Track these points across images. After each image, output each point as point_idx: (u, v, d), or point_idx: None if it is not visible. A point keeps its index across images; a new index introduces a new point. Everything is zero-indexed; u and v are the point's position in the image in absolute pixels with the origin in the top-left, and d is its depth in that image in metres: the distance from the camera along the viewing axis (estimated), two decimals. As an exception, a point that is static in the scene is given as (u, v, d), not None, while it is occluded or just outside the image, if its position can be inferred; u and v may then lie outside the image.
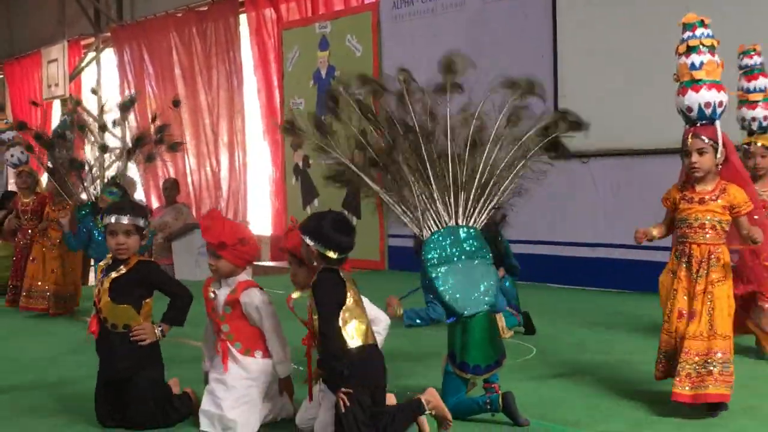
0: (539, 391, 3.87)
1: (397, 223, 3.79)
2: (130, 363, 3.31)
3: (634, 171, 6.99)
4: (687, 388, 3.29)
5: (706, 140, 3.46)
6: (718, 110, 3.48)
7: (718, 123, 3.51)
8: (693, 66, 3.47)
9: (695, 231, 3.48)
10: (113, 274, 3.45)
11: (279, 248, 3.89)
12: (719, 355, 3.31)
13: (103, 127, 6.64)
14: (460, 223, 3.69)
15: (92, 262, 6.85)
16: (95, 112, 8.51)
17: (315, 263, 3.16)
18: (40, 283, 6.40)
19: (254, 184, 11.97)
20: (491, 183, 3.69)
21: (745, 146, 4.39)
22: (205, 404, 3.32)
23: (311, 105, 9.86)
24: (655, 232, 3.59)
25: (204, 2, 12.78)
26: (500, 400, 3.43)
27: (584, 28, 7.58)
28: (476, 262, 3.67)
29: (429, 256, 3.63)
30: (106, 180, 6.54)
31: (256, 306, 3.40)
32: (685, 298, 3.46)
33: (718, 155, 3.48)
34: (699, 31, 3.50)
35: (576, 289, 7.20)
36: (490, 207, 3.73)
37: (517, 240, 5.95)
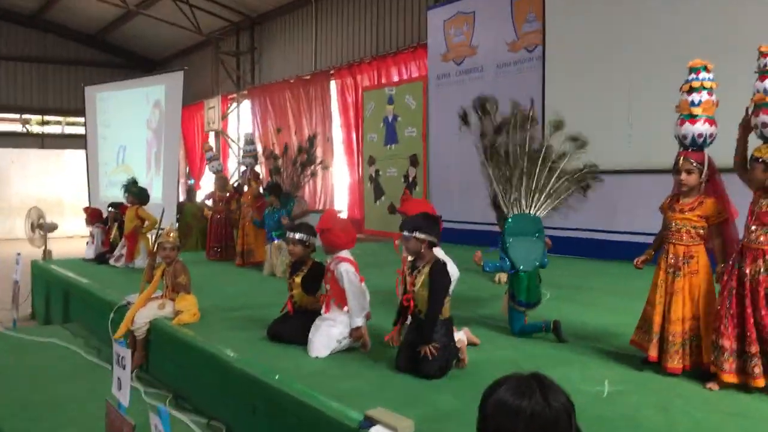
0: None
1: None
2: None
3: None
4: (676, 361, 3.70)
5: (694, 163, 3.77)
6: (708, 140, 3.79)
7: (706, 150, 3.82)
8: (693, 103, 3.73)
9: (674, 234, 3.85)
10: (300, 273, 4.64)
11: (397, 210, 4.53)
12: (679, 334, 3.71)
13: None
14: (531, 212, 4.84)
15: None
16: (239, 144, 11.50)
17: (423, 251, 3.83)
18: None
19: (339, 186, 15.20)
20: (553, 192, 4.83)
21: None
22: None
23: (381, 138, 13.54)
24: (651, 251, 4.08)
25: (308, 73, 16.25)
26: (552, 324, 4.57)
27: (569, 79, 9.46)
28: (534, 237, 4.80)
29: (508, 227, 4.75)
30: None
31: (341, 273, 4.23)
32: (663, 287, 3.82)
33: (703, 176, 3.79)
34: (702, 75, 3.76)
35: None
36: (550, 206, 4.87)
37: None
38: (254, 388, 3.91)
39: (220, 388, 4.32)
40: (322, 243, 4.45)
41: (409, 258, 3.99)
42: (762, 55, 3.57)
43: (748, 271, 3.55)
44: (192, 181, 21.29)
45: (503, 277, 6.56)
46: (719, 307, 3.63)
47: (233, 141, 14.34)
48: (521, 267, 4.71)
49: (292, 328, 4.61)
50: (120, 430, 3.01)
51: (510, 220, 4.78)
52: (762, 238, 3.56)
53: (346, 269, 4.29)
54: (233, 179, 9.85)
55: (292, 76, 16.88)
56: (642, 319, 4.05)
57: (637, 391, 3.60)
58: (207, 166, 10.26)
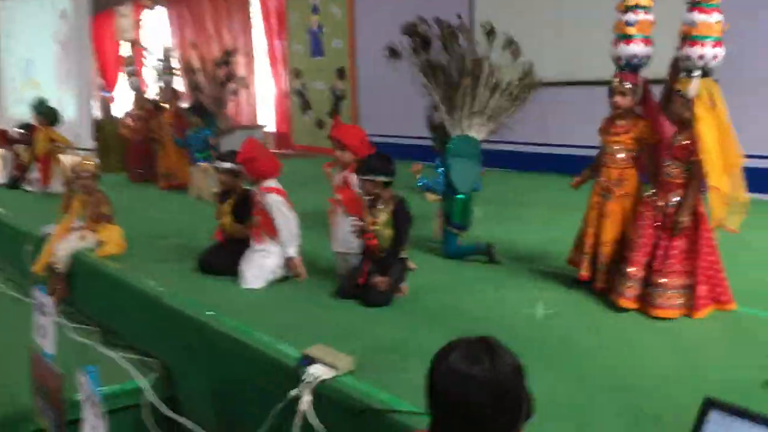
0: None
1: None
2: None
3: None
4: (604, 281, 3.78)
5: (629, 85, 3.72)
6: (644, 61, 3.73)
7: (640, 72, 3.77)
8: (628, 23, 3.66)
9: (608, 157, 3.84)
10: (229, 201, 4.51)
11: (328, 136, 4.35)
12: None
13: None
14: (472, 134, 4.76)
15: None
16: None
17: (380, 192, 3.78)
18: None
19: (264, 100, 14.66)
20: (492, 113, 4.79)
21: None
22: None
23: (307, 50, 13.06)
24: (585, 175, 4.07)
25: None
26: (486, 246, 4.61)
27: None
28: (473, 161, 4.77)
29: (450, 147, 4.73)
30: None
31: (269, 204, 4.15)
32: (597, 210, 3.85)
33: (636, 98, 3.75)
34: None
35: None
36: (488, 128, 4.85)
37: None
38: (188, 325, 3.80)
39: (152, 326, 4.19)
40: (247, 173, 4.33)
41: (365, 197, 3.92)
42: None
43: (661, 203, 3.59)
44: (107, 93, 20.28)
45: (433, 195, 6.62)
46: (632, 235, 3.68)
47: (148, 52, 13.68)
48: (460, 189, 4.67)
49: (224, 259, 4.48)
50: (47, 382, 2.86)
51: (453, 141, 4.73)
52: (674, 172, 3.57)
53: (275, 199, 4.19)
54: (151, 95, 9.35)
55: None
56: (577, 238, 4.09)
57: (570, 313, 3.68)
58: (127, 81, 9.72)
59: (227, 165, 4.59)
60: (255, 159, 4.22)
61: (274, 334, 3.39)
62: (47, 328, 3.01)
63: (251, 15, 15.03)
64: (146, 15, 18.69)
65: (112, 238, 5.16)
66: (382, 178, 3.80)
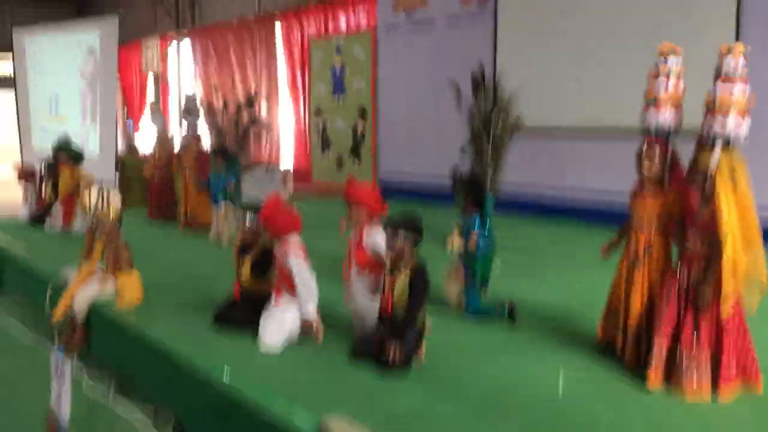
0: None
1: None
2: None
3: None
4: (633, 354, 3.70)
5: (657, 152, 3.68)
6: (673, 128, 3.70)
7: (671, 140, 3.73)
8: (659, 89, 3.64)
9: (636, 222, 3.78)
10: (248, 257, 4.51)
11: (344, 197, 4.25)
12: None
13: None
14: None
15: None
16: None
17: (406, 250, 3.75)
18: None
19: (285, 134, 14.73)
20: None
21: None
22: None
23: (329, 88, 13.04)
24: (615, 241, 4.00)
25: (251, 14, 15.51)
26: (507, 306, 4.56)
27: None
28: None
29: (490, 206, 4.85)
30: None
31: (290, 264, 4.10)
32: (625, 278, 3.79)
33: (666, 165, 3.70)
34: (670, 60, 3.65)
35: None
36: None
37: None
38: (204, 385, 3.76)
39: (168, 382, 4.15)
40: (268, 231, 4.32)
41: (388, 256, 3.90)
42: (721, 54, 3.44)
43: (686, 277, 3.53)
44: (131, 121, 20.55)
45: (456, 242, 6.58)
46: (658, 307, 3.61)
47: (171, 86, 14.05)
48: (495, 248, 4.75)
49: (241, 315, 4.45)
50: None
51: (489, 199, 4.79)
52: (699, 246, 3.50)
53: (295, 261, 4.16)
54: (174, 134, 9.44)
55: (235, 16, 16.19)
56: (607, 306, 4.02)
57: (593, 387, 3.59)
58: (150, 117, 9.82)
59: (249, 219, 4.59)
60: (277, 217, 4.20)
61: (291, 399, 3.34)
62: (63, 395, 2.99)
63: (275, 51, 15.22)
64: (172, 47, 19.01)
65: (131, 286, 5.16)
66: (411, 236, 3.78)
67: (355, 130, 12.77)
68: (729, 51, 3.42)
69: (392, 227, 3.81)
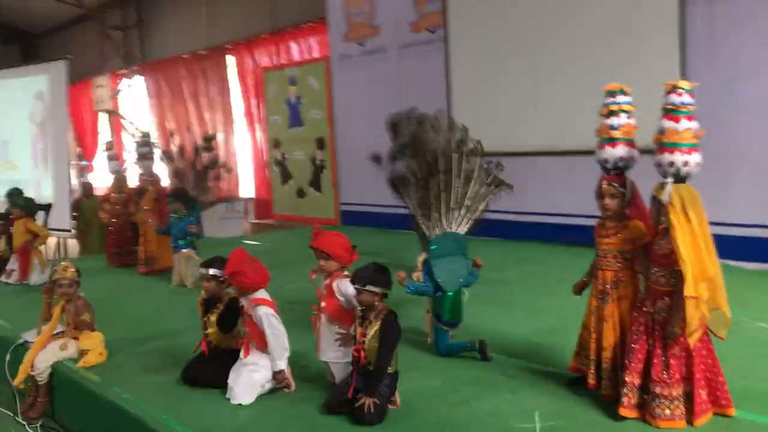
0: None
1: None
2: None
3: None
4: (610, 388, 3.68)
5: (617, 187, 3.72)
6: (630, 163, 3.74)
7: (627, 174, 3.77)
8: (612, 127, 3.69)
9: (602, 260, 3.79)
10: (215, 311, 4.36)
11: (310, 246, 4.16)
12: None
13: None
14: (453, 230, 4.72)
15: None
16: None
17: (376, 303, 3.73)
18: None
19: (244, 167, 14.85)
20: (471, 203, 4.77)
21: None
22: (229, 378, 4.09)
23: (285, 121, 13.09)
24: (585, 280, 3.99)
25: (202, 48, 15.52)
26: (477, 343, 4.57)
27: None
28: (458, 257, 4.69)
29: (433, 248, 4.65)
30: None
31: (260, 317, 4.04)
32: (596, 314, 3.78)
33: (625, 199, 3.74)
34: (619, 98, 3.72)
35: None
36: (470, 219, 4.80)
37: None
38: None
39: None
40: (234, 286, 4.21)
41: (359, 308, 3.85)
42: (667, 92, 3.47)
43: (650, 310, 3.55)
44: (85, 162, 20.21)
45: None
46: (627, 342, 3.63)
47: (127, 121, 13.89)
48: (448, 289, 4.64)
49: (210, 372, 4.35)
50: None
51: (433, 244, 4.69)
52: (662, 280, 3.54)
53: (265, 312, 4.08)
54: (131, 178, 9.23)
55: (185, 51, 16.16)
56: (579, 345, 4.03)
57: (568, 425, 3.58)
58: (107, 164, 9.62)
59: (212, 271, 4.50)
60: (243, 273, 4.11)
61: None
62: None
63: (228, 83, 15.17)
64: (123, 84, 18.82)
65: (94, 346, 5.02)
66: (378, 290, 3.75)
67: (314, 161, 12.74)
68: (674, 88, 3.47)
69: (360, 282, 3.77)
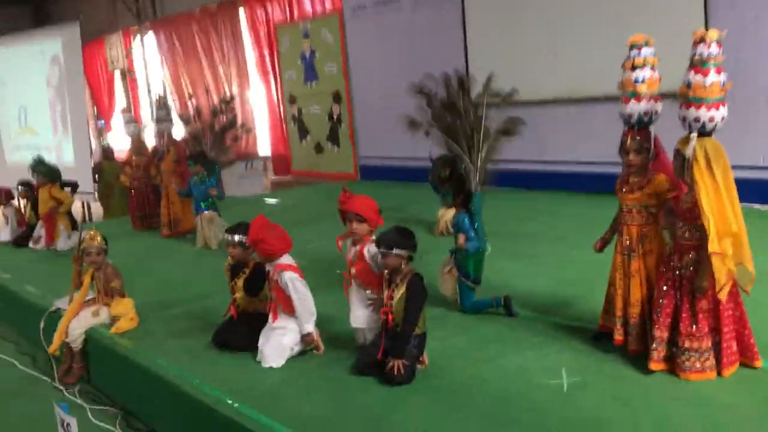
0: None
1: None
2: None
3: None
4: (638, 344, 3.70)
5: (641, 142, 3.67)
6: (654, 117, 3.67)
7: (651, 128, 3.71)
8: (636, 80, 3.60)
9: (627, 215, 3.76)
10: (241, 276, 4.41)
11: (340, 209, 4.15)
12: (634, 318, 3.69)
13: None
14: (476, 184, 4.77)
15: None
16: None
17: (402, 266, 3.76)
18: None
19: (261, 123, 14.74)
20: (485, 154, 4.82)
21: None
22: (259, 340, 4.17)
23: (300, 76, 13.02)
24: (607, 237, 3.98)
25: (213, 2, 15.41)
26: (502, 299, 4.62)
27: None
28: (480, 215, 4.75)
29: (476, 205, 4.72)
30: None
31: (285, 283, 4.11)
32: (622, 270, 3.78)
33: (650, 155, 3.70)
34: (644, 51, 3.62)
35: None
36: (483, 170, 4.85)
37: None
38: (209, 414, 3.75)
39: (170, 410, 4.15)
40: (258, 254, 4.25)
41: (385, 272, 3.88)
42: (695, 42, 3.36)
43: (678, 264, 3.54)
44: (102, 123, 20.25)
45: (446, 216, 6.55)
46: (655, 297, 3.63)
47: (138, 82, 13.92)
48: (484, 246, 4.67)
49: (240, 336, 4.43)
50: None
51: (477, 198, 4.67)
52: (687, 234, 3.51)
53: (290, 277, 4.12)
54: (149, 141, 9.23)
55: (197, 6, 15.88)
56: (606, 302, 4.03)
57: (596, 382, 3.61)
58: (124, 127, 9.58)
59: (237, 237, 4.54)
60: (265, 240, 4.15)
61: (296, 419, 3.38)
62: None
63: (242, 38, 14.97)
64: (136, 42, 18.69)
65: (125, 312, 5.12)
66: (405, 253, 3.77)
67: (331, 116, 12.67)
68: (702, 39, 3.36)
69: (385, 245, 3.78)
